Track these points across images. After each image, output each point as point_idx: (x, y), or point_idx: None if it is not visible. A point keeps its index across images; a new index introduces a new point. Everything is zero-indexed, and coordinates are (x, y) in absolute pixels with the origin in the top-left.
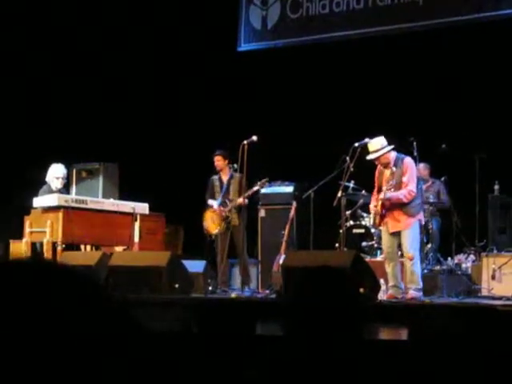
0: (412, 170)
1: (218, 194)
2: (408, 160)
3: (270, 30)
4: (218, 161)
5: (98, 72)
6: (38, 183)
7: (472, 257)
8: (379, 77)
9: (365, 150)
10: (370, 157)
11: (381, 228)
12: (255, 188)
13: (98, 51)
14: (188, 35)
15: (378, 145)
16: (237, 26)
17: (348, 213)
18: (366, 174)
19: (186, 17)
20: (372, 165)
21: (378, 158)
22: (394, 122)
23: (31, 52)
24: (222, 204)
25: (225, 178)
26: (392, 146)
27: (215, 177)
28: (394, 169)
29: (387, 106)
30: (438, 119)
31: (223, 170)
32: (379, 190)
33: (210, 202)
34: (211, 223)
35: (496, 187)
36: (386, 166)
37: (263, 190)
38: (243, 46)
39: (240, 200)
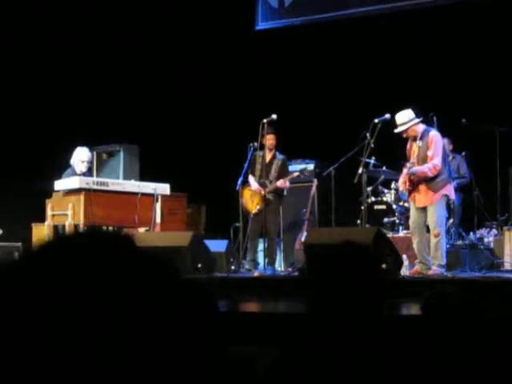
0: (437, 144)
1: (259, 172)
2: (433, 133)
3: (286, 8)
4: (273, 139)
5: (117, 54)
6: (58, 166)
7: (494, 231)
8: (398, 52)
9: (385, 125)
10: (397, 130)
11: (406, 204)
12: (295, 174)
13: (119, 33)
14: (206, 16)
15: (405, 117)
16: (254, 5)
17: (369, 189)
18: (387, 150)
19: None
20: (393, 140)
21: (405, 131)
22: (413, 97)
23: (53, 35)
24: (262, 184)
25: (268, 158)
26: (420, 119)
27: (259, 153)
28: (419, 142)
29: (407, 81)
30: (458, 93)
31: (272, 148)
32: None
33: (251, 179)
34: (250, 202)
35: None
36: (415, 139)
37: None
38: (261, 25)
39: (280, 182)
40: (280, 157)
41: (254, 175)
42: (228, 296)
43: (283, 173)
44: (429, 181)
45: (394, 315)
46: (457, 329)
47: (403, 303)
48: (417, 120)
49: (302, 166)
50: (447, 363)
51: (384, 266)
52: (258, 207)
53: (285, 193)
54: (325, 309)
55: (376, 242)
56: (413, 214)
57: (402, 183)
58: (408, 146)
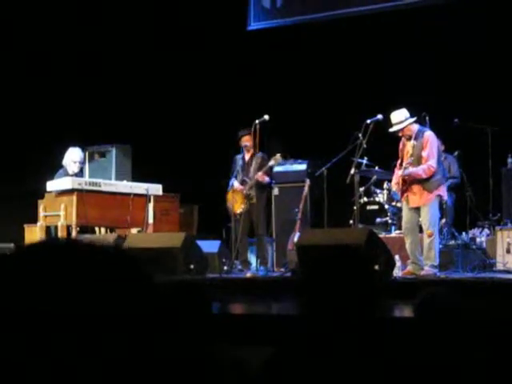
0: (432, 144)
1: (240, 173)
2: (428, 134)
3: (279, 9)
4: (247, 141)
5: (109, 53)
6: (50, 166)
7: (486, 231)
8: (391, 52)
9: (377, 126)
10: (392, 129)
11: (399, 204)
12: (270, 164)
13: (109, 33)
14: (198, 15)
15: (401, 116)
16: (246, 5)
17: (362, 189)
18: (379, 150)
19: None
20: (385, 141)
21: (401, 130)
22: (405, 97)
23: (45, 35)
24: (242, 183)
25: (247, 158)
26: (415, 118)
27: (238, 156)
28: (414, 142)
29: (399, 81)
30: (450, 93)
31: (250, 149)
32: (402, 163)
33: (231, 181)
34: (234, 203)
35: (509, 160)
36: (409, 138)
37: (276, 169)
38: (253, 25)
39: (257, 175)
40: (259, 154)
41: (236, 178)
42: (220, 298)
43: (260, 165)
44: (423, 181)
45: (387, 317)
46: (448, 331)
47: (396, 305)
48: (412, 119)
49: (295, 167)
50: (439, 365)
51: (376, 267)
52: (243, 206)
53: (276, 193)
54: (317, 311)
55: (368, 243)
56: (405, 214)
57: (394, 184)
58: (400, 146)
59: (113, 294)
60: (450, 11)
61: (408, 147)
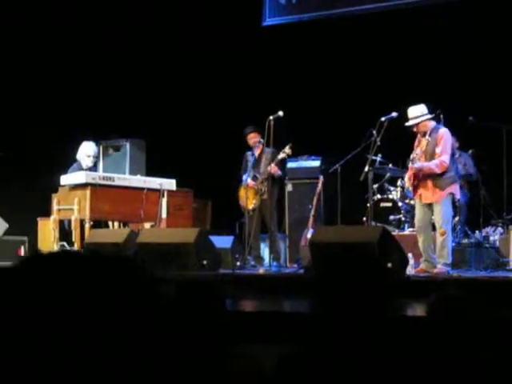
0: (446, 141)
1: (251, 169)
2: (443, 130)
3: (294, 4)
4: (253, 137)
5: (124, 48)
6: (64, 160)
7: (500, 229)
8: (406, 50)
9: (392, 123)
10: (408, 123)
11: (412, 202)
12: (280, 156)
13: (125, 26)
14: (213, 11)
15: (417, 111)
16: (262, 1)
17: (375, 186)
18: (393, 148)
19: None
20: (399, 138)
21: (416, 125)
22: (420, 94)
23: (59, 27)
24: (253, 178)
25: (257, 154)
26: (432, 115)
27: (249, 152)
28: (428, 138)
29: (414, 78)
30: (465, 91)
31: (257, 145)
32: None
33: (244, 177)
34: (246, 199)
35: None
36: (424, 134)
37: (290, 165)
38: (268, 21)
39: (269, 168)
40: (268, 150)
41: (248, 174)
42: (232, 294)
43: (272, 160)
44: (435, 178)
45: (399, 316)
46: (461, 332)
47: (408, 304)
48: (429, 116)
49: (308, 163)
50: (451, 365)
51: (389, 265)
52: (254, 202)
53: (289, 189)
54: (330, 309)
55: (381, 241)
56: (418, 211)
57: (407, 179)
58: (416, 143)
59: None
60: (465, 9)
61: (423, 143)
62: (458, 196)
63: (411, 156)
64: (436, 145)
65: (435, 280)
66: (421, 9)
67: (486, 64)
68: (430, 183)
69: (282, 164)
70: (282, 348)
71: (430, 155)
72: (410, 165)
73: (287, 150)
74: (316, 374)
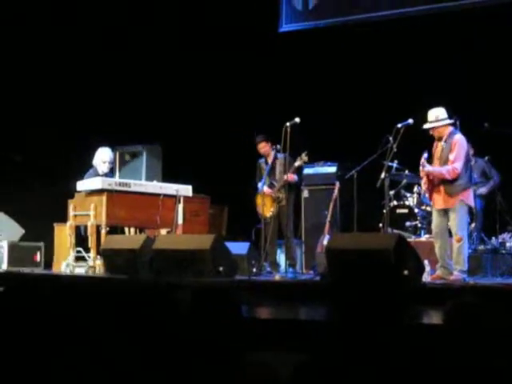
0: (460, 148)
1: (267, 178)
2: (458, 137)
3: (311, 11)
4: (264, 147)
5: (142, 54)
6: (81, 166)
7: None
8: (422, 55)
9: (409, 129)
10: (426, 126)
11: (428, 208)
12: (296, 164)
13: (139, 34)
14: (230, 17)
15: (432, 116)
16: (278, 7)
17: (391, 193)
18: (410, 154)
19: None
20: (415, 144)
21: (432, 129)
22: (436, 100)
23: (74, 34)
24: (270, 186)
25: (270, 161)
26: (450, 121)
27: (261, 160)
28: (444, 144)
29: (431, 84)
30: (481, 98)
31: (269, 153)
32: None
33: (259, 185)
34: (263, 207)
35: None
36: (440, 139)
37: (306, 171)
38: (284, 27)
39: (287, 176)
40: (281, 155)
41: (263, 182)
42: (248, 301)
43: (287, 168)
44: (447, 184)
45: (415, 324)
46: (478, 339)
47: (424, 311)
48: (444, 122)
49: (325, 169)
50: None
51: (406, 272)
52: (272, 210)
53: (306, 195)
54: (346, 316)
55: (397, 248)
56: (435, 217)
57: (423, 183)
58: (434, 146)
59: None
60: (481, 15)
61: (438, 148)
62: (470, 203)
63: (425, 155)
64: (450, 151)
65: (451, 287)
66: (438, 14)
67: (503, 70)
68: (441, 189)
69: (298, 170)
70: (297, 356)
71: (444, 161)
72: (420, 167)
73: (304, 157)
74: (330, 381)
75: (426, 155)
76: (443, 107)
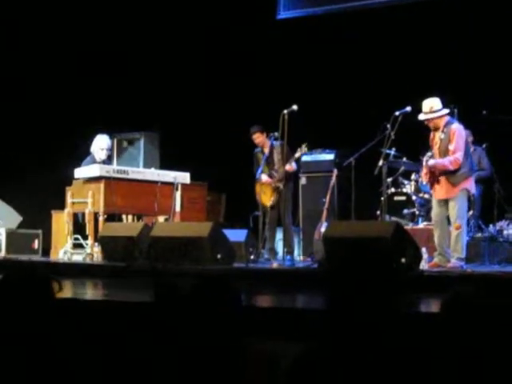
0: (458, 138)
1: (265, 167)
2: (455, 127)
3: None
4: (258, 138)
5: (138, 41)
6: (78, 153)
7: None
8: (419, 43)
9: (406, 117)
10: (421, 117)
11: (426, 196)
12: (297, 155)
13: (140, 22)
14: (228, 4)
15: (431, 105)
16: None
17: (389, 180)
18: (408, 141)
19: None
20: (414, 131)
21: (428, 120)
22: (435, 88)
23: (74, 25)
24: (270, 175)
25: (266, 150)
26: (446, 111)
27: (257, 149)
28: (442, 135)
29: (428, 72)
30: (479, 85)
31: (264, 143)
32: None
33: (257, 174)
34: (263, 196)
35: None
36: (436, 129)
37: (304, 158)
38: (282, 14)
39: (287, 167)
40: (277, 143)
41: (262, 171)
42: (245, 289)
43: (286, 155)
44: (449, 174)
45: (412, 312)
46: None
47: (422, 299)
48: (439, 113)
49: (322, 156)
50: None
51: (403, 260)
52: (272, 199)
53: (303, 182)
54: (343, 304)
55: (395, 236)
56: (435, 207)
57: (424, 174)
58: (431, 136)
59: None
60: (478, 0)
61: (436, 139)
62: (472, 191)
63: (428, 153)
64: (449, 141)
65: (449, 275)
66: (436, 1)
67: (501, 57)
68: (443, 179)
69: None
70: (297, 345)
71: (444, 152)
72: (424, 163)
73: (304, 148)
74: (329, 371)
75: (429, 154)
76: (437, 97)
